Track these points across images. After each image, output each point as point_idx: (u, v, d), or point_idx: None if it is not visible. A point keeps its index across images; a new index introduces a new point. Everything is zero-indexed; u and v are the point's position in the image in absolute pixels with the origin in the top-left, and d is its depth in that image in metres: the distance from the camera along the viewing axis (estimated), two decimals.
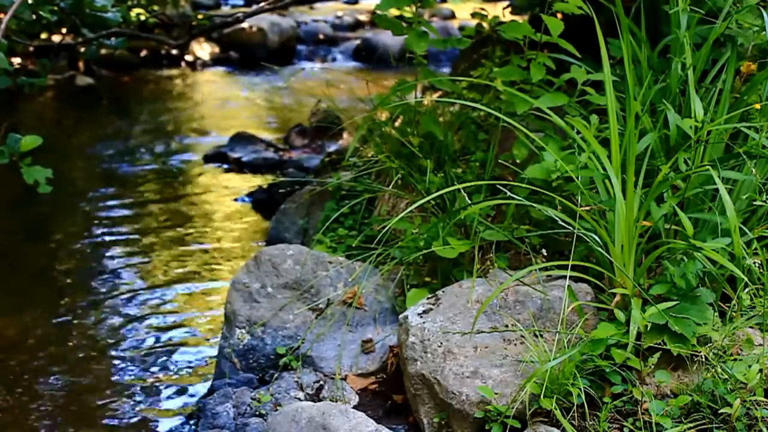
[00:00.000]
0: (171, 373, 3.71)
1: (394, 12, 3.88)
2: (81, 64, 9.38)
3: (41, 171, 3.66)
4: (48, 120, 8.09)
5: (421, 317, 2.89)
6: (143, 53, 10.11)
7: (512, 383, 2.60)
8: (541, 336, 2.75)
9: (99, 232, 5.28)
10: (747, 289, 2.64)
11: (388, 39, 10.35)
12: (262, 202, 5.68)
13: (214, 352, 3.71)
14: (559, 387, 2.51)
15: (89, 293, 4.46)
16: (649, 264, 2.77)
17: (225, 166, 6.60)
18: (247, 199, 5.84)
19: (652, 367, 2.56)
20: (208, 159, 6.74)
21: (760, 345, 2.55)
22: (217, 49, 10.62)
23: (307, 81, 9.27)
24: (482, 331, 2.79)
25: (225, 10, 11.94)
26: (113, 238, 5.19)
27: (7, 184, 5.67)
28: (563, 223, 2.83)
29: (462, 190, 3.13)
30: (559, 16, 3.49)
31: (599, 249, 2.77)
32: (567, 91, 3.44)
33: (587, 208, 2.84)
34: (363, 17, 12.20)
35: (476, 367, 2.67)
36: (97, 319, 4.19)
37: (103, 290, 4.50)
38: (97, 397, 3.51)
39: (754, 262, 2.65)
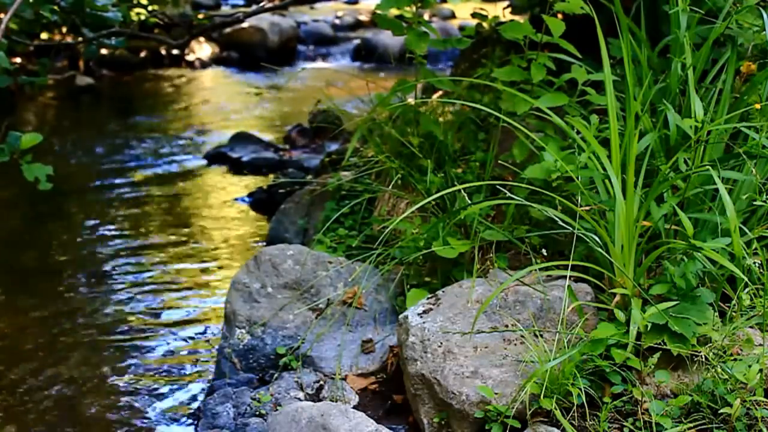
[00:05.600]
0: (171, 373, 3.71)
1: (394, 12, 3.88)
2: (81, 64, 9.38)
3: (41, 168, 3.66)
4: (48, 120, 8.09)
5: (421, 317, 2.89)
6: (143, 53, 10.10)
7: (512, 383, 2.60)
8: (541, 336, 2.75)
9: (98, 231, 5.28)
10: (747, 289, 2.64)
11: (388, 39, 10.35)
12: (262, 202, 5.68)
13: (214, 352, 3.71)
14: (559, 387, 2.51)
15: (88, 293, 4.46)
16: (649, 264, 2.77)
17: (225, 166, 6.60)
18: (247, 199, 5.84)
19: (652, 367, 2.56)
20: (208, 159, 6.74)
21: (760, 345, 2.55)
22: (217, 49, 10.62)
23: (307, 81, 9.27)
24: (482, 331, 2.79)
25: (225, 10, 11.94)
26: (113, 237, 5.19)
27: (7, 183, 5.68)
28: (563, 223, 2.83)
29: (462, 190, 3.13)
30: (560, 16, 3.49)
31: (599, 249, 2.77)
32: (567, 91, 3.44)
33: (587, 208, 2.84)
34: (363, 17, 12.20)
35: (476, 367, 2.67)
36: (97, 318, 4.18)
37: (103, 290, 4.49)
38: (96, 397, 3.51)
39: (754, 262, 2.65)
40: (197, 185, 6.23)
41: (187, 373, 3.70)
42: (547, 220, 3.07)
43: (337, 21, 12.04)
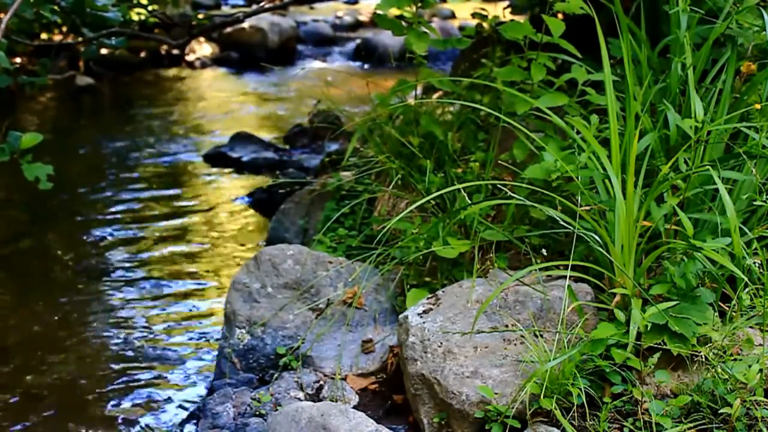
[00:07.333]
0: (171, 372, 3.71)
1: (394, 12, 3.88)
2: (81, 64, 9.37)
3: (42, 168, 3.67)
4: (48, 120, 8.09)
5: (421, 317, 2.89)
6: (143, 53, 10.10)
7: (512, 383, 2.60)
8: (541, 336, 2.75)
9: (98, 231, 5.28)
10: (747, 289, 2.64)
11: (388, 39, 10.34)
12: (262, 202, 5.68)
13: (214, 352, 3.71)
14: (559, 387, 2.51)
15: (88, 293, 4.46)
16: (649, 264, 2.77)
17: (225, 166, 6.59)
18: (247, 199, 5.83)
19: (652, 367, 2.56)
20: (208, 159, 6.74)
21: (760, 345, 2.55)
22: (217, 49, 10.61)
23: (307, 81, 9.26)
24: (482, 331, 2.79)
25: (225, 10, 11.94)
26: (113, 237, 5.19)
27: (7, 183, 5.68)
28: (563, 223, 2.83)
29: (462, 190, 3.13)
30: (560, 16, 3.49)
31: (599, 249, 2.77)
32: (567, 91, 3.44)
33: (587, 208, 2.84)
34: (363, 17, 12.20)
35: (476, 367, 2.67)
36: (97, 318, 4.18)
37: (103, 290, 4.49)
38: (96, 397, 3.51)
39: (754, 262, 2.65)
40: (197, 185, 6.23)
41: (187, 373, 3.70)
42: (547, 220, 3.07)
43: (337, 21, 12.04)
